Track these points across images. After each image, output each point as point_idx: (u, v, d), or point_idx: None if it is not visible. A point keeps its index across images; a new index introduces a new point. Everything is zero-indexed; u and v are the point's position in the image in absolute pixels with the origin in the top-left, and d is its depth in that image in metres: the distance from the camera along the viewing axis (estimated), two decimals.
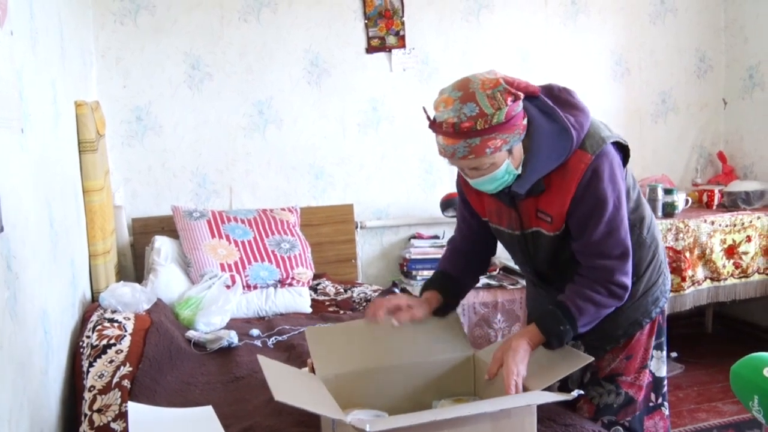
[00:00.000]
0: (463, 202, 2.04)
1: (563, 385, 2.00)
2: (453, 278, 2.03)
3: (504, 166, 1.69)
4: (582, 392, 1.70)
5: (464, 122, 1.60)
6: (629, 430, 1.97)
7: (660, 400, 2.03)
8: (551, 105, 1.71)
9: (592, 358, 1.76)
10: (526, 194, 1.78)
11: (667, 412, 2.05)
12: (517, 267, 3.75)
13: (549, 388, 1.69)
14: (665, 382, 2.05)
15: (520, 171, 1.73)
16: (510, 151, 1.68)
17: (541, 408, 1.68)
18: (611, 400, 1.97)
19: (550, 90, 1.77)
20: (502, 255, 4.11)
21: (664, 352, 2.03)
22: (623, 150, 1.83)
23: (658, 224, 2.11)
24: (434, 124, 1.68)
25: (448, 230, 4.17)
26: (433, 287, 2.01)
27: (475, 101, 1.60)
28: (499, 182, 1.74)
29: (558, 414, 1.84)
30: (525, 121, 1.68)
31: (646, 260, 1.94)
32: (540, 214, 1.81)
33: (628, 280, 1.78)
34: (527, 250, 1.92)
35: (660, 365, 2.02)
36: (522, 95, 1.65)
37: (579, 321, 1.76)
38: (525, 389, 1.69)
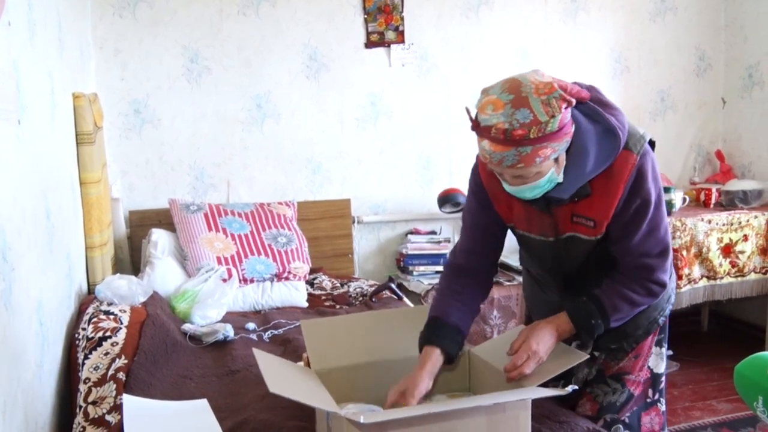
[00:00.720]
0: (484, 208, 1.89)
1: (565, 383, 1.97)
2: (454, 326, 1.82)
3: (549, 174, 1.60)
4: (576, 387, 1.69)
5: (517, 129, 1.48)
6: (629, 427, 1.97)
7: (657, 396, 2.02)
8: (594, 106, 1.64)
9: (587, 356, 1.75)
10: (569, 199, 1.71)
11: (663, 408, 2.04)
12: (514, 262, 3.77)
13: (547, 384, 1.69)
14: (663, 379, 2.04)
15: (561, 179, 1.64)
16: (556, 160, 1.59)
17: (535, 405, 1.68)
18: (615, 398, 1.95)
19: (580, 89, 1.67)
20: None
21: (664, 349, 2.02)
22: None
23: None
24: (479, 128, 1.54)
25: (445, 226, 4.17)
26: (436, 345, 1.78)
27: (529, 107, 1.49)
28: (540, 190, 1.64)
29: (553, 411, 1.84)
30: (573, 128, 1.58)
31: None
32: (577, 218, 1.74)
33: (666, 278, 1.77)
34: (559, 256, 1.85)
35: (659, 362, 2.01)
36: (574, 102, 1.55)
37: (612, 317, 1.75)
38: (518, 385, 1.69)
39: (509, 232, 1.95)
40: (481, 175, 1.85)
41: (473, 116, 1.58)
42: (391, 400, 1.68)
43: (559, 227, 1.78)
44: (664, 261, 1.76)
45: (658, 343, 2.00)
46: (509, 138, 1.49)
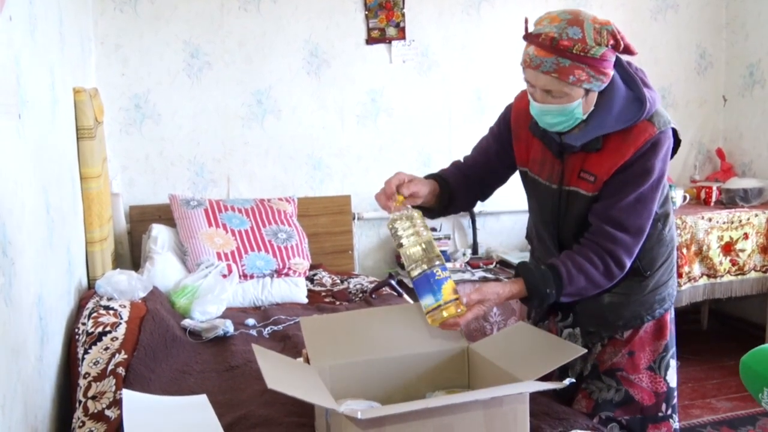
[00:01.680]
0: (497, 142, 2.02)
1: (561, 377, 1.98)
2: (449, 184, 1.99)
3: (576, 103, 1.69)
4: (573, 380, 1.69)
5: (564, 40, 1.61)
6: (626, 429, 1.95)
7: (669, 411, 1.98)
8: (633, 74, 1.75)
9: (585, 350, 1.75)
10: (581, 148, 1.78)
11: (676, 426, 2.00)
12: (514, 259, 3.77)
13: (546, 378, 1.69)
14: (675, 393, 2.01)
15: (584, 117, 1.74)
16: (587, 93, 1.69)
17: (534, 401, 1.69)
18: (610, 395, 1.95)
19: (629, 65, 1.80)
20: (499, 249, 4.13)
21: (674, 362, 2.01)
22: (676, 144, 1.84)
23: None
24: (530, 36, 1.68)
25: (445, 223, 4.17)
26: (433, 178, 1.98)
27: (582, 28, 1.62)
28: (563, 119, 1.73)
29: (552, 407, 1.85)
30: (612, 73, 1.70)
31: (662, 258, 1.93)
32: (583, 173, 1.80)
33: (628, 261, 1.78)
34: (558, 208, 1.89)
35: (673, 375, 1.99)
36: (623, 46, 1.65)
37: (565, 290, 1.76)
38: (516, 380, 1.69)
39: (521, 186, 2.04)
40: (512, 113, 1.96)
41: (528, 28, 1.70)
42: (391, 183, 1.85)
43: (566, 178, 1.85)
44: (633, 241, 1.77)
45: (674, 356, 2.00)
46: (554, 45, 1.62)
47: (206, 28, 3.77)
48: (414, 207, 1.84)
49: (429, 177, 2.00)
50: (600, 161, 1.77)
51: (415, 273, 1.74)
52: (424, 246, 1.72)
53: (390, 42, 4.03)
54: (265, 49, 3.86)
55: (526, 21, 1.72)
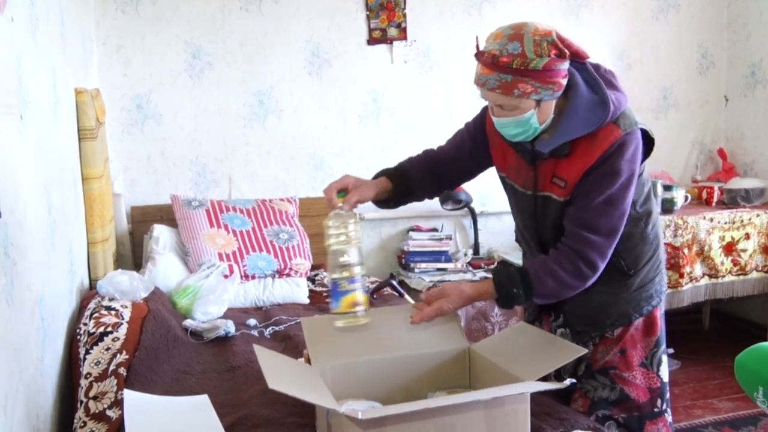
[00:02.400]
0: (471, 140, 2.06)
1: (557, 377, 2.00)
2: (409, 177, 2.05)
3: (528, 114, 1.72)
4: (574, 381, 1.71)
5: (503, 57, 1.65)
6: (624, 427, 1.97)
7: (664, 406, 2.02)
8: (596, 77, 1.76)
9: (585, 350, 1.76)
10: (549, 154, 1.80)
11: (670, 419, 2.04)
12: (516, 259, 3.77)
13: (545, 379, 1.69)
14: (668, 388, 2.04)
15: (542, 128, 1.76)
16: (538, 104, 1.71)
17: (535, 401, 1.69)
18: (606, 394, 1.97)
19: (597, 67, 1.81)
20: (500, 249, 4.13)
21: (666, 356, 2.04)
22: (648, 144, 1.84)
23: (662, 224, 2.12)
24: (478, 53, 1.72)
25: (447, 223, 4.18)
26: (387, 175, 2.05)
27: (521, 42, 1.64)
28: (521, 130, 1.76)
29: (552, 407, 1.85)
30: (564, 81, 1.71)
31: (647, 256, 1.94)
32: (555, 179, 1.83)
33: (600, 263, 1.79)
34: (535, 213, 1.93)
35: (666, 370, 2.02)
36: (568, 54, 1.67)
37: (535, 290, 1.79)
38: (517, 380, 1.69)
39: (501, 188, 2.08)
40: (487, 118, 1.97)
41: (479, 46, 1.74)
42: (333, 186, 1.92)
43: (539, 183, 1.88)
44: (606, 243, 1.78)
45: (665, 352, 2.02)
46: (495, 62, 1.66)
47: (208, 28, 3.77)
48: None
49: (386, 172, 2.07)
50: (569, 166, 1.79)
51: (330, 276, 1.83)
52: (338, 253, 1.81)
53: (391, 42, 4.03)
54: (267, 49, 3.87)
55: (477, 39, 1.76)
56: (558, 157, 1.80)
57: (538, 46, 1.64)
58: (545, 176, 1.86)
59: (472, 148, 2.05)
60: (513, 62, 1.64)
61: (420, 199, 2.13)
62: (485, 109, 2.01)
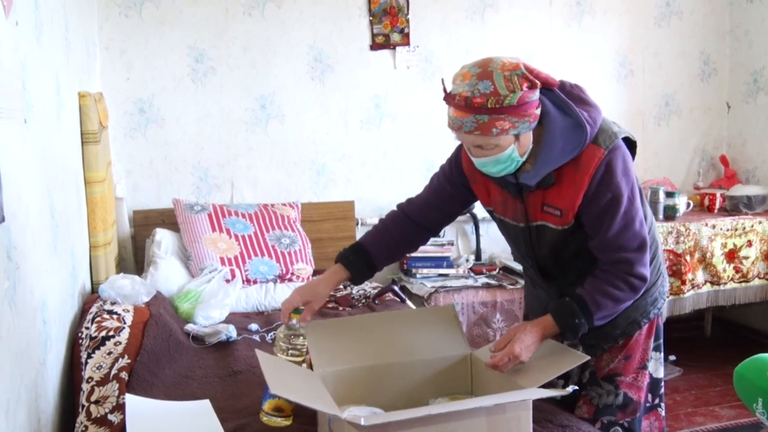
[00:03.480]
0: (450, 184, 2.02)
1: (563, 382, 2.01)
2: (368, 255, 2.02)
3: (509, 150, 1.70)
4: (577, 388, 1.71)
5: (476, 98, 1.62)
6: (628, 431, 1.97)
7: (657, 401, 2.04)
8: (565, 99, 1.73)
9: (588, 357, 1.77)
10: (536, 186, 1.78)
11: (663, 413, 2.05)
12: (518, 265, 3.77)
13: (547, 386, 1.69)
14: (662, 384, 2.06)
15: (524, 159, 1.75)
16: (517, 137, 1.70)
17: (537, 408, 1.68)
18: (610, 400, 1.97)
19: (562, 86, 1.79)
20: (502, 255, 4.13)
21: (662, 354, 2.05)
22: (631, 146, 1.84)
23: (658, 227, 2.12)
24: (448, 96, 1.69)
25: (448, 229, 4.16)
26: (342, 263, 2.02)
27: (492, 80, 1.62)
28: (502, 166, 1.74)
29: (555, 414, 1.84)
30: (538, 111, 1.69)
31: None
32: (547, 207, 1.81)
33: (647, 272, 1.80)
34: (530, 243, 1.92)
35: (658, 366, 2.03)
36: (539, 84, 1.67)
37: (595, 315, 1.78)
38: (519, 387, 1.69)
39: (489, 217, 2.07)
40: (462, 158, 1.96)
41: (447, 88, 1.71)
42: (288, 305, 1.89)
43: (530, 214, 1.87)
44: (642, 254, 1.79)
45: (657, 348, 2.02)
46: (469, 104, 1.63)
47: (211, 33, 3.78)
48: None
49: (342, 258, 2.02)
50: (560, 194, 1.78)
51: None
52: None
53: (394, 48, 4.03)
54: (270, 54, 3.87)
55: (443, 82, 1.73)
56: (545, 187, 1.79)
57: (509, 81, 1.62)
58: (535, 206, 1.85)
59: (453, 191, 2.03)
60: (487, 102, 1.62)
61: (395, 260, 2.13)
62: (459, 149, 1.99)
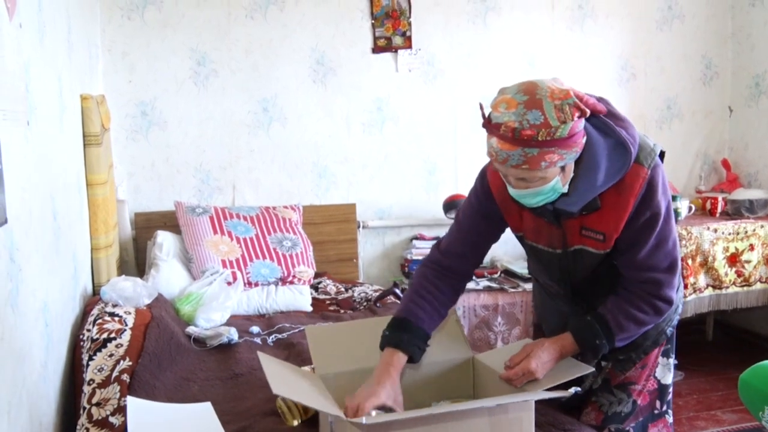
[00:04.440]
0: (484, 219, 1.89)
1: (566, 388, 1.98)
2: (415, 327, 1.79)
3: (553, 182, 1.59)
4: (579, 390, 1.68)
5: (526, 129, 1.49)
6: None
7: (665, 408, 2.00)
8: (605, 120, 1.63)
9: (592, 369, 1.74)
10: (579, 212, 1.69)
11: (670, 420, 2.02)
12: (519, 269, 3.77)
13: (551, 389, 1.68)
14: (670, 390, 2.02)
15: (566, 189, 1.63)
16: (563, 169, 1.59)
17: (540, 412, 1.68)
18: (620, 408, 1.94)
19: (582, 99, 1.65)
20: (504, 258, 4.12)
21: (671, 360, 2.01)
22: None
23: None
24: (490, 125, 1.55)
25: None
26: (393, 345, 1.76)
27: (542, 110, 1.50)
28: (543, 197, 1.64)
29: (557, 418, 1.84)
30: (584, 140, 1.58)
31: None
32: (586, 231, 1.73)
33: (674, 294, 1.75)
34: (567, 268, 1.83)
35: (666, 372, 1.99)
36: (588, 112, 1.55)
37: (617, 337, 1.73)
38: (523, 390, 1.69)
39: (518, 241, 1.95)
40: (490, 184, 1.84)
41: (486, 113, 1.58)
42: (351, 406, 1.61)
43: (568, 240, 1.77)
44: (672, 276, 1.74)
45: (665, 354, 1.99)
46: (517, 137, 1.50)
47: (213, 35, 3.78)
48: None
49: (393, 342, 1.76)
50: (601, 218, 1.69)
51: None
52: None
53: (396, 51, 4.03)
54: (272, 57, 3.87)
55: (482, 107, 1.61)
56: (588, 212, 1.69)
57: (561, 111, 1.50)
58: (574, 231, 1.75)
59: (488, 226, 1.90)
60: (538, 134, 1.49)
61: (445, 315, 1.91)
62: (483, 179, 1.87)
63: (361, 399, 1.61)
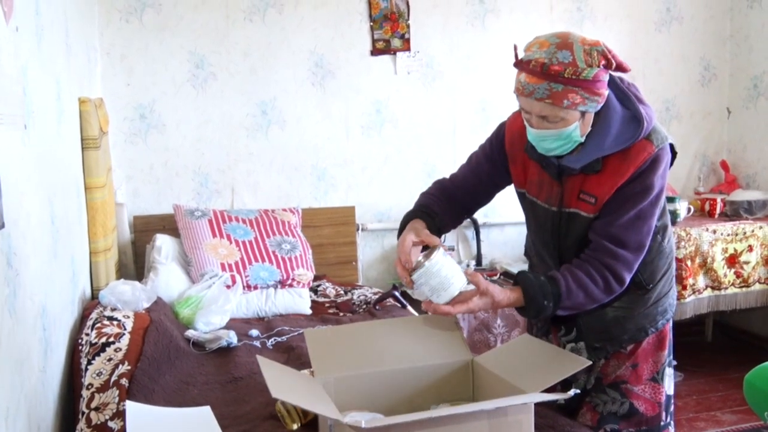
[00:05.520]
0: (489, 162, 2.00)
1: (564, 390, 1.99)
2: (437, 216, 1.96)
3: (572, 127, 1.69)
4: (578, 391, 1.69)
5: (554, 65, 1.61)
6: None
7: (669, 419, 2.00)
8: (627, 91, 1.74)
9: (590, 362, 1.76)
10: (580, 170, 1.77)
11: (673, 431, 2.03)
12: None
13: (550, 391, 1.68)
14: (672, 401, 2.03)
15: (583, 139, 1.73)
16: (583, 116, 1.69)
17: (539, 414, 1.68)
18: (615, 408, 1.95)
19: (621, 81, 1.79)
20: (503, 260, 4.12)
21: (673, 370, 2.03)
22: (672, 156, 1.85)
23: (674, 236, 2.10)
24: (520, 63, 1.67)
25: (449, 235, 4.15)
26: (417, 216, 1.94)
27: (571, 51, 1.62)
28: (560, 143, 1.72)
29: (556, 420, 1.84)
30: (606, 93, 1.69)
31: (663, 269, 1.93)
32: (583, 195, 1.80)
33: (627, 277, 1.78)
34: (558, 230, 1.89)
35: (671, 383, 2.01)
36: (614, 65, 1.65)
37: (563, 303, 1.76)
38: (521, 392, 1.68)
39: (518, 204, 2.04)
40: (506, 133, 1.95)
41: (519, 55, 1.69)
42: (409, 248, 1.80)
43: (565, 200, 1.85)
44: (634, 258, 1.77)
45: (670, 364, 2.00)
46: (545, 71, 1.62)
47: (212, 38, 3.78)
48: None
49: (416, 215, 1.95)
50: (600, 182, 1.77)
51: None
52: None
53: (395, 53, 4.03)
54: (270, 59, 3.87)
55: (515, 48, 1.70)
56: (588, 172, 1.78)
57: (589, 56, 1.62)
58: (572, 192, 1.83)
59: (491, 169, 2.00)
60: (565, 71, 1.60)
61: (444, 232, 2.04)
62: (502, 128, 1.99)
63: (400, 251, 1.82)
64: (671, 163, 1.85)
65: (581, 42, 1.63)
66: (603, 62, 1.63)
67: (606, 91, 1.68)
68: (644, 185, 1.74)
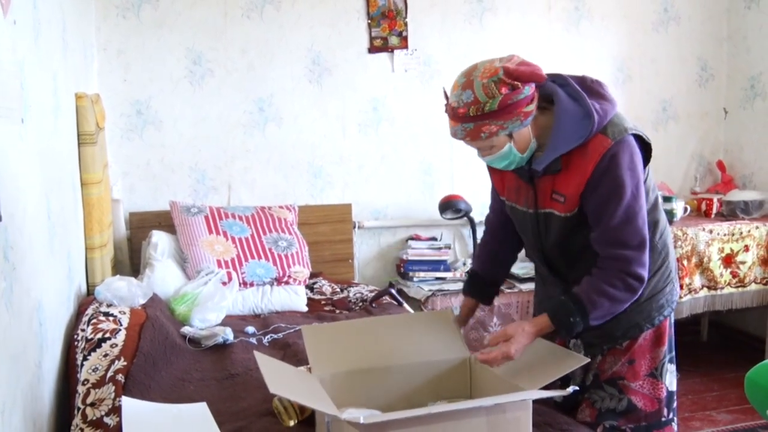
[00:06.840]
0: (494, 189, 2.15)
1: (563, 387, 1.99)
2: (485, 282, 2.17)
3: (506, 149, 1.78)
4: (578, 388, 1.70)
5: (460, 108, 1.72)
6: None
7: (671, 415, 2.01)
8: (579, 90, 1.79)
9: (588, 359, 1.77)
10: (543, 171, 1.83)
11: (675, 428, 2.03)
12: (516, 269, 3.77)
13: (548, 388, 1.68)
14: (675, 397, 2.04)
15: (526, 155, 1.81)
16: (511, 136, 1.76)
17: (538, 412, 1.68)
18: (613, 404, 1.96)
19: (582, 80, 1.86)
20: None
21: (675, 366, 2.03)
22: (646, 148, 1.86)
23: (671, 233, 2.10)
24: (446, 106, 1.79)
25: (446, 232, 4.17)
26: (467, 291, 2.19)
27: (472, 89, 1.71)
28: (508, 162, 1.82)
29: (555, 418, 1.84)
30: (530, 107, 1.74)
31: (655, 265, 1.94)
32: (555, 195, 1.85)
33: (644, 272, 1.80)
34: (538, 231, 1.94)
35: (672, 379, 2.01)
36: (520, 85, 1.70)
37: (591, 314, 1.78)
38: (519, 390, 1.68)
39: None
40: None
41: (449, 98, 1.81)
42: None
43: (539, 201, 1.91)
44: (641, 254, 1.80)
45: (671, 360, 2.01)
46: (456, 115, 1.75)
47: (209, 35, 3.77)
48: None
49: (468, 288, 2.20)
50: (566, 181, 1.82)
51: None
52: None
53: (392, 51, 4.03)
54: (268, 56, 3.86)
55: (445, 92, 1.82)
56: (553, 173, 1.83)
57: (487, 89, 1.69)
58: (545, 193, 1.88)
59: (495, 193, 2.16)
60: (469, 111, 1.70)
61: (507, 272, 2.27)
62: None
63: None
64: (648, 157, 1.87)
65: (481, 76, 1.71)
66: (505, 89, 1.69)
67: (529, 107, 1.74)
68: (615, 184, 1.76)
